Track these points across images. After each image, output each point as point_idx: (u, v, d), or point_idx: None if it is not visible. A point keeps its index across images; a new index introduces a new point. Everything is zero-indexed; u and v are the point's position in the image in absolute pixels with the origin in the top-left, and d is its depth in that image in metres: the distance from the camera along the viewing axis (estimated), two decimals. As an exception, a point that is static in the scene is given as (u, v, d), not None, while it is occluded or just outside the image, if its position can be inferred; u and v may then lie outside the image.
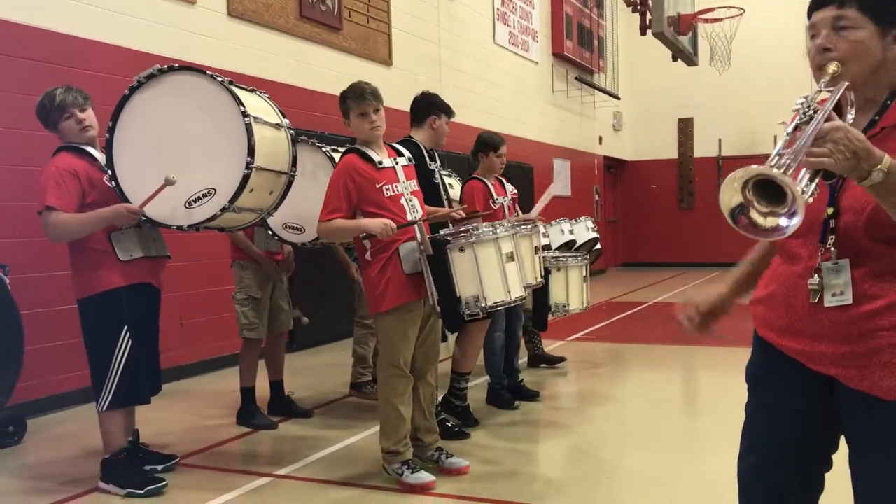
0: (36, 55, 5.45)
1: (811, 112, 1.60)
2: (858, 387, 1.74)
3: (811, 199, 1.53)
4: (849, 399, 1.77)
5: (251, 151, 3.52)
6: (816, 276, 1.75)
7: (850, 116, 1.71)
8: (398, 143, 4.30)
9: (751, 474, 1.95)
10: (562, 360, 6.72)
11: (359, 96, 3.84)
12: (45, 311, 5.27)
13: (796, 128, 1.60)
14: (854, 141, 1.53)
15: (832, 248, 1.74)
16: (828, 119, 1.57)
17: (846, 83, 1.71)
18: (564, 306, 5.72)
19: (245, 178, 3.53)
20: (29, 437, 4.74)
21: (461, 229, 3.94)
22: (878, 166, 1.54)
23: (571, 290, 5.70)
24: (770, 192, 1.49)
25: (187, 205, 3.61)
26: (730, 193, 1.52)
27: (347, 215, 3.77)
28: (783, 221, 1.49)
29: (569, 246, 6.38)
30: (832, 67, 1.74)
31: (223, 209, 3.57)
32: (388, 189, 3.82)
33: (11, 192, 5.14)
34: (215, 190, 3.58)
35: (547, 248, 6.35)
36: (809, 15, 1.83)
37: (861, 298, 1.71)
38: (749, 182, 1.51)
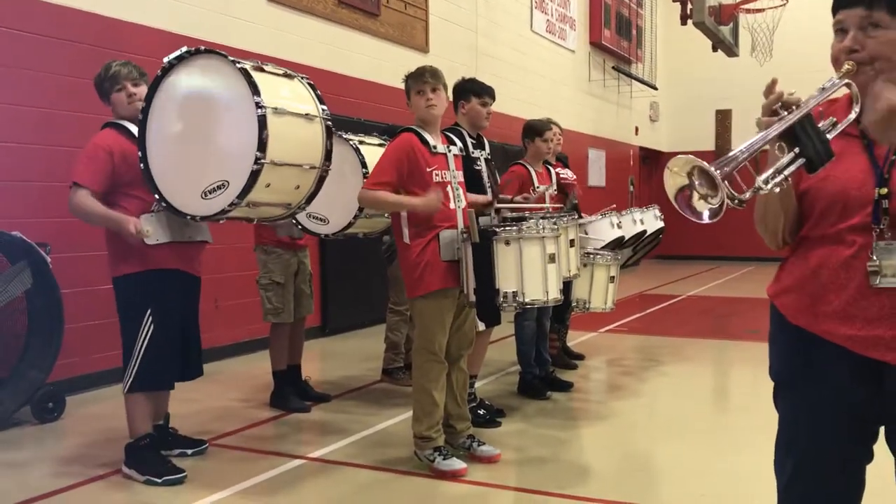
0: (80, 38, 5.52)
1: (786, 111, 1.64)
2: None
3: (777, 190, 1.61)
4: None
5: (261, 146, 3.34)
6: (875, 256, 1.71)
7: (853, 114, 1.72)
8: (445, 130, 4.31)
9: (793, 477, 1.88)
10: (580, 357, 6.62)
11: (417, 75, 3.90)
12: (85, 289, 5.36)
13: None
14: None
15: (885, 229, 1.71)
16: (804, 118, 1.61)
17: (843, 81, 1.71)
18: (585, 303, 5.69)
19: (254, 174, 3.36)
20: (67, 413, 4.84)
21: (509, 220, 3.92)
22: None
23: (595, 289, 5.65)
24: (711, 180, 1.57)
25: (203, 195, 3.48)
26: (674, 177, 1.64)
27: (393, 190, 3.79)
28: (706, 214, 1.59)
29: (637, 237, 6.25)
30: (846, 66, 1.74)
31: (232, 204, 3.43)
32: (437, 174, 3.84)
33: (53, 172, 5.22)
34: (228, 183, 3.44)
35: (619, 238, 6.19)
36: (835, 11, 1.80)
37: None
38: (694, 169, 1.61)
